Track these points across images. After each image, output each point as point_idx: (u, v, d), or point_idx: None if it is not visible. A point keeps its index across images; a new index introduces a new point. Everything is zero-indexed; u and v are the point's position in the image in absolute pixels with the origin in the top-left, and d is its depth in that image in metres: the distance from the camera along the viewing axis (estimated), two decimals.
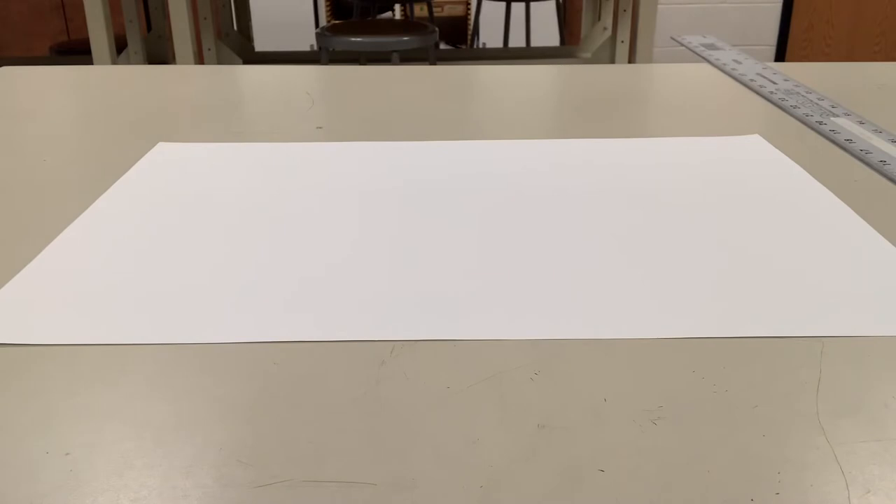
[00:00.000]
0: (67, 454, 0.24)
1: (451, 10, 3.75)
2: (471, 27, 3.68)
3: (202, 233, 0.38)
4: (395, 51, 2.17)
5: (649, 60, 2.19)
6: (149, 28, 2.59)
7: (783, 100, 0.60)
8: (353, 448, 0.24)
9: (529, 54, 2.63)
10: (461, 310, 0.32)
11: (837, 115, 0.56)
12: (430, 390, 0.27)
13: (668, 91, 0.64)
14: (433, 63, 2.28)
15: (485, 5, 3.61)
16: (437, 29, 2.27)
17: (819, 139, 0.52)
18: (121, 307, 0.32)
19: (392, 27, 2.27)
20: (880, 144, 0.50)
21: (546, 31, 3.70)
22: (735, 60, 0.73)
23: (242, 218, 0.40)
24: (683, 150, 0.50)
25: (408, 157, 0.48)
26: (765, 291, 0.33)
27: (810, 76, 0.68)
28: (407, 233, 0.38)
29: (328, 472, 0.23)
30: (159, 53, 2.54)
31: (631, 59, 2.29)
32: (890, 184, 0.44)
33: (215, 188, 0.44)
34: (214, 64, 1.42)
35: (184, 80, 0.68)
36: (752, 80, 0.66)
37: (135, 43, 2.31)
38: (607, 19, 2.42)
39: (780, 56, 3.39)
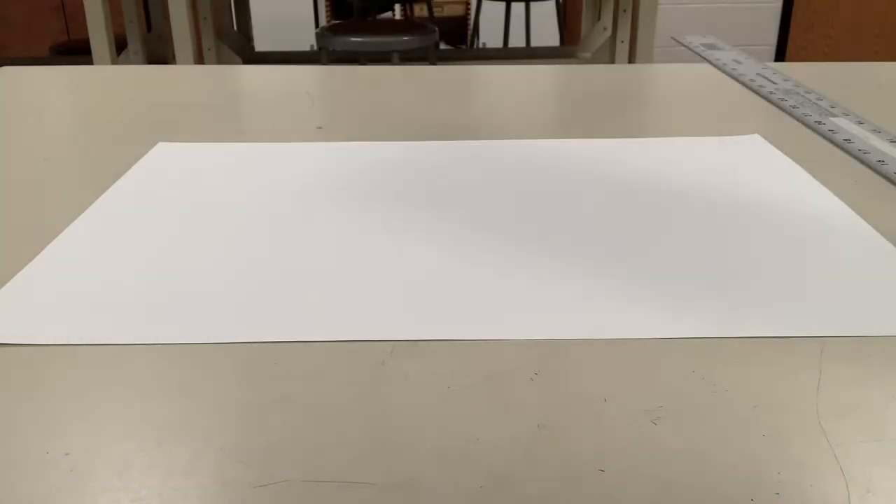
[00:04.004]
0: (67, 454, 0.24)
1: (451, 10, 3.75)
2: (471, 27, 3.68)
3: (202, 232, 0.38)
4: (395, 51, 2.17)
5: (649, 60, 2.19)
6: (149, 28, 2.59)
7: (782, 100, 0.60)
8: (353, 448, 0.24)
9: (529, 54, 2.63)
10: (461, 310, 0.32)
11: (836, 115, 0.56)
12: (430, 390, 0.27)
13: (668, 91, 0.64)
14: (433, 63, 2.28)
15: (485, 5, 3.61)
16: (437, 29, 2.27)
17: (818, 139, 0.52)
18: (121, 307, 0.32)
19: (392, 27, 2.27)
20: (879, 144, 0.50)
21: (546, 31, 3.70)
22: (735, 60, 0.73)
23: (242, 218, 0.40)
24: (683, 150, 0.50)
25: (407, 157, 0.48)
26: (765, 291, 0.33)
27: (810, 76, 0.68)
28: (407, 232, 0.38)
29: (328, 472, 0.23)
30: (159, 53, 2.54)
31: (631, 59, 2.29)
32: (888, 183, 0.44)
33: (215, 188, 0.44)
34: (214, 64, 1.42)
35: (184, 80, 0.68)
36: (751, 80, 0.66)
37: (135, 43, 2.31)
38: (607, 19, 2.42)
39: (780, 56, 3.39)
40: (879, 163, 0.47)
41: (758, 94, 0.63)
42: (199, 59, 2.25)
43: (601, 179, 0.45)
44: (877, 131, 0.52)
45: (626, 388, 0.27)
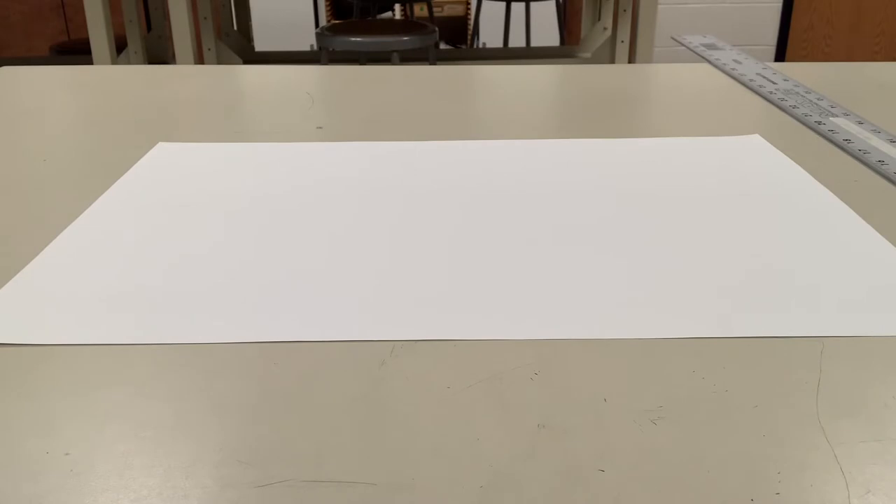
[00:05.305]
0: (67, 454, 0.24)
1: (451, 10, 3.75)
2: (471, 27, 3.68)
3: (202, 233, 0.38)
4: (395, 51, 2.17)
5: (649, 60, 2.19)
6: (149, 28, 2.59)
7: (782, 100, 0.60)
8: (353, 448, 0.24)
9: (529, 54, 2.63)
10: (461, 310, 0.32)
11: (836, 115, 0.56)
12: (430, 390, 0.27)
13: (668, 91, 0.64)
14: (433, 63, 2.28)
15: (485, 5, 3.61)
16: (437, 29, 2.27)
17: (818, 139, 0.52)
18: (121, 307, 0.32)
19: (392, 27, 2.27)
20: (879, 144, 0.50)
21: (546, 31, 3.70)
22: (735, 60, 0.73)
23: (242, 218, 0.40)
24: (683, 150, 0.50)
25: (407, 157, 0.48)
26: (765, 291, 0.33)
27: (810, 76, 0.68)
28: (407, 232, 0.38)
29: (328, 472, 0.23)
30: (159, 53, 2.54)
31: (631, 59, 2.29)
32: (888, 183, 0.44)
33: (215, 188, 0.44)
34: (214, 64, 1.42)
35: (184, 80, 0.68)
36: (751, 80, 0.66)
37: (135, 43, 2.31)
38: (607, 19, 2.42)
39: (780, 56, 3.39)
40: (879, 163, 0.47)
41: (758, 94, 0.63)
42: (199, 59, 2.25)
43: (601, 179, 0.45)
44: (877, 131, 0.52)
45: (626, 388, 0.27)
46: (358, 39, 2.15)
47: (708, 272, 0.34)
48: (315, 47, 3.22)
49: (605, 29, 2.45)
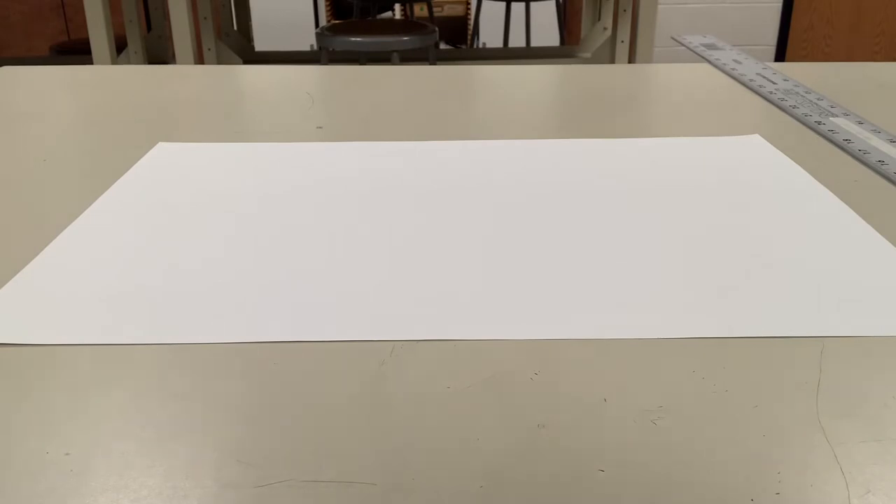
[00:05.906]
0: (67, 454, 0.24)
1: (451, 10, 3.75)
2: (471, 27, 3.68)
3: (202, 233, 0.38)
4: (395, 51, 2.17)
5: (649, 60, 2.19)
6: (149, 28, 2.59)
7: (782, 100, 0.60)
8: (353, 448, 0.24)
9: (529, 54, 2.63)
10: (461, 310, 0.32)
11: (836, 115, 0.56)
12: (430, 390, 0.27)
13: (668, 91, 0.64)
14: (433, 63, 2.28)
15: (485, 5, 3.61)
16: (437, 29, 2.27)
17: (818, 139, 0.52)
18: (120, 307, 0.32)
19: (392, 27, 2.27)
20: (879, 144, 0.50)
21: (546, 31, 3.70)
22: (735, 60, 0.73)
23: (242, 218, 0.40)
24: (683, 150, 0.50)
25: (407, 157, 0.48)
26: (765, 291, 0.33)
27: (810, 76, 0.68)
28: (407, 232, 0.38)
29: (328, 472, 0.23)
30: (159, 53, 2.54)
31: (631, 59, 2.29)
32: (888, 184, 0.44)
33: (215, 188, 0.44)
34: (214, 64, 1.42)
35: (184, 80, 0.68)
36: (751, 80, 0.66)
37: (135, 43, 2.31)
38: (607, 19, 2.42)
39: (780, 56, 3.39)
40: (879, 163, 0.47)
41: (758, 94, 0.63)
42: (199, 59, 2.25)
43: (601, 180, 0.45)
44: (877, 131, 0.52)
45: (626, 388, 0.27)
46: (358, 39, 2.15)
47: (708, 272, 0.34)
48: (315, 47, 3.22)
49: (605, 29, 2.45)
